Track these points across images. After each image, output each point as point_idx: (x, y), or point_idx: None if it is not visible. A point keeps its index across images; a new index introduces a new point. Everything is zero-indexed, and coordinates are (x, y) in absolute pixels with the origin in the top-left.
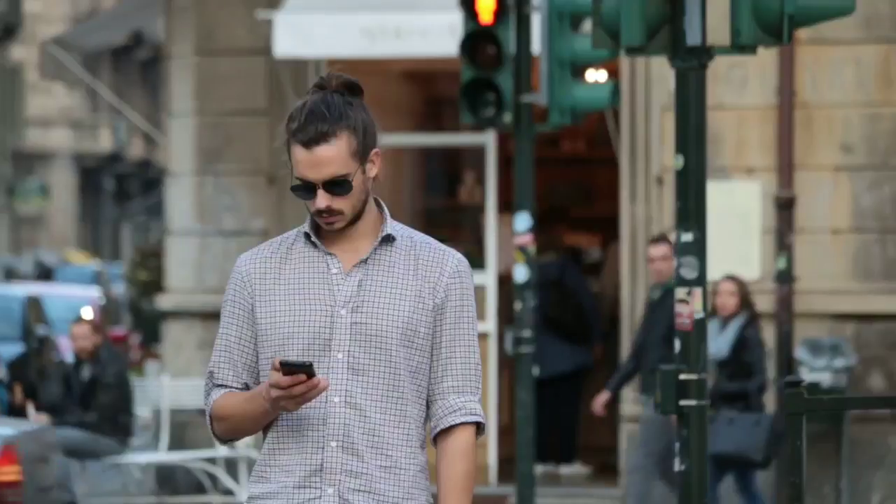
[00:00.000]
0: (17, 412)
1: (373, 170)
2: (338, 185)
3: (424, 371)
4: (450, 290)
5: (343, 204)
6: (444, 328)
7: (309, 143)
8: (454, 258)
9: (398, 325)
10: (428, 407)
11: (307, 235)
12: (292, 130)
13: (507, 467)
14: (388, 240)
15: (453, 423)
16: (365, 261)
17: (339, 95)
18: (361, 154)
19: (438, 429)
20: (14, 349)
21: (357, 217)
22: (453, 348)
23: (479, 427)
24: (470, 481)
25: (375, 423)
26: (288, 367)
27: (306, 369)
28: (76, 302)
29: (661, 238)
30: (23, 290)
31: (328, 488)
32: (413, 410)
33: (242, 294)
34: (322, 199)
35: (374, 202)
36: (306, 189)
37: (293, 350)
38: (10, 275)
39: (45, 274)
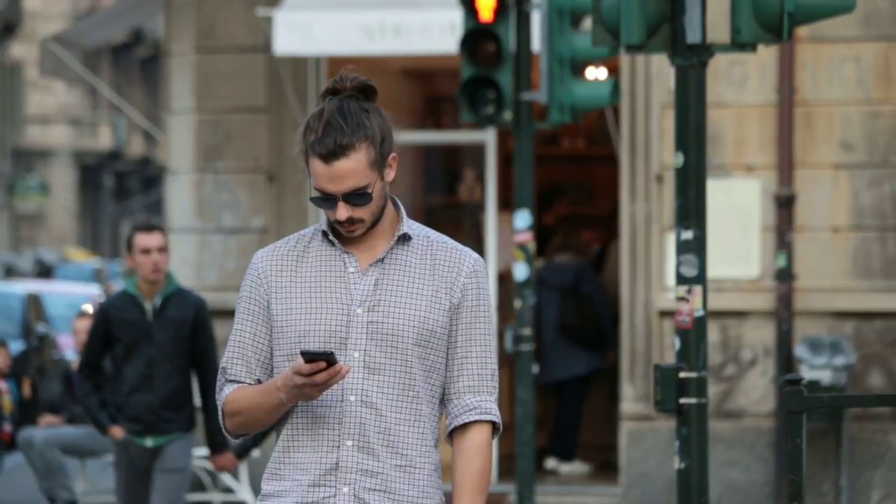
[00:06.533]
0: (25, 406)
1: (390, 174)
2: (358, 197)
3: (439, 370)
4: (466, 290)
5: (363, 213)
6: (459, 328)
7: (328, 157)
8: (471, 258)
9: (414, 325)
10: (444, 406)
11: (325, 234)
12: (310, 142)
13: (507, 465)
14: (405, 239)
15: (468, 420)
16: (381, 260)
17: (354, 102)
18: (380, 162)
19: (453, 426)
20: (14, 347)
21: (376, 221)
22: (469, 348)
23: (495, 427)
24: (485, 480)
25: (391, 422)
26: (309, 356)
27: (327, 357)
28: (76, 299)
29: (154, 226)
30: (23, 287)
31: (343, 487)
32: (427, 409)
33: (258, 291)
34: (343, 211)
35: (390, 201)
36: (326, 200)
37: (309, 348)
38: (10, 272)
39: (44, 271)
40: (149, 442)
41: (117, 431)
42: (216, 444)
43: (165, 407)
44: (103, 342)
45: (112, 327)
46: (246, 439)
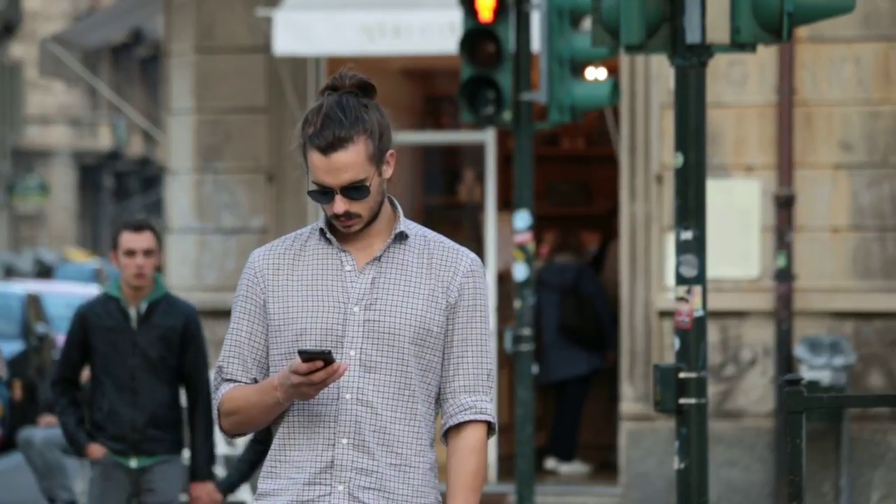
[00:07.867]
0: (16, 409)
1: (388, 171)
2: (356, 190)
3: (435, 369)
4: (463, 289)
5: (361, 207)
6: (456, 327)
7: (326, 149)
8: (468, 258)
9: (411, 324)
10: (439, 405)
11: (322, 232)
12: (309, 135)
13: (507, 465)
14: (401, 237)
15: (463, 420)
16: (378, 258)
17: (353, 97)
18: (378, 157)
19: (448, 426)
20: (13, 347)
21: (373, 218)
22: (465, 348)
23: (490, 427)
24: (479, 479)
25: (386, 420)
26: (307, 355)
27: (325, 356)
28: (75, 300)
29: (143, 225)
30: (22, 287)
31: (338, 485)
32: (423, 408)
33: (255, 289)
34: (340, 205)
35: (387, 200)
36: (324, 194)
37: (306, 346)
38: (10, 272)
39: (44, 272)
40: (133, 463)
41: (96, 450)
42: (199, 473)
43: (151, 425)
44: (82, 352)
45: (91, 335)
46: (232, 473)
